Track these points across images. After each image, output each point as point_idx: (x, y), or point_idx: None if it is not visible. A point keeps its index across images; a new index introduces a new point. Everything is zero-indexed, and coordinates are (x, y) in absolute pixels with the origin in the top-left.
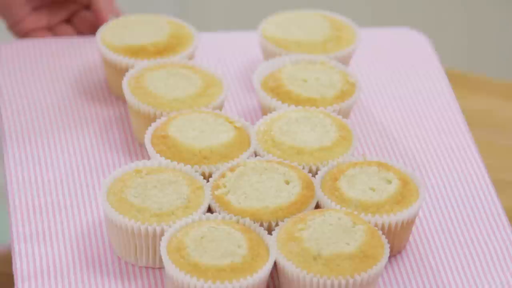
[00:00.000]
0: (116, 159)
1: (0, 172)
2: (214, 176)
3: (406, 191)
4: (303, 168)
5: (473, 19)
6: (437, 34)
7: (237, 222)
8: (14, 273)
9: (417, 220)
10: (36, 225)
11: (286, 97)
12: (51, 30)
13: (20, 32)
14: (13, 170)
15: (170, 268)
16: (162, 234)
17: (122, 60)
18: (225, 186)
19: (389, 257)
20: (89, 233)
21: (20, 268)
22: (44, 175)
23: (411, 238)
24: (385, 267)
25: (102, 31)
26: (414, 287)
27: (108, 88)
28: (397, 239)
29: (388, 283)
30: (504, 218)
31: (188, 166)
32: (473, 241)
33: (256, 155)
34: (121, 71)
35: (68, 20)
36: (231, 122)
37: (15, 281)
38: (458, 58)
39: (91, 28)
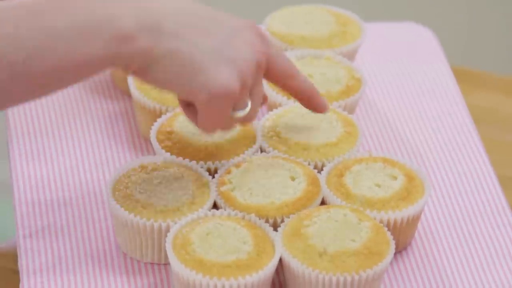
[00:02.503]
0: (121, 154)
1: (5, 168)
2: (220, 172)
3: (411, 187)
4: (309, 164)
5: (475, 15)
6: (439, 31)
7: (243, 218)
8: (19, 268)
9: (422, 216)
10: (42, 220)
11: None
12: None
13: None
14: (18, 165)
15: (176, 264)
16: (167, 230)
17: None
18: (230, 182)
19: (395, 253)
20: (94, 229)
21: (26, 263)
22: (49, 171)
23: (416, 234)
24: (390, 263)
25: None
26: (419, 283)
27: (113, 83)
28: (402, 235)
29: (393, 279)
30: (509, 213)
31: (194, 162)
32: (478, 237)
33: (261, 151)
34: None
35: None
36: None
37: (21, 277)
38: (460, 54)
39: None
